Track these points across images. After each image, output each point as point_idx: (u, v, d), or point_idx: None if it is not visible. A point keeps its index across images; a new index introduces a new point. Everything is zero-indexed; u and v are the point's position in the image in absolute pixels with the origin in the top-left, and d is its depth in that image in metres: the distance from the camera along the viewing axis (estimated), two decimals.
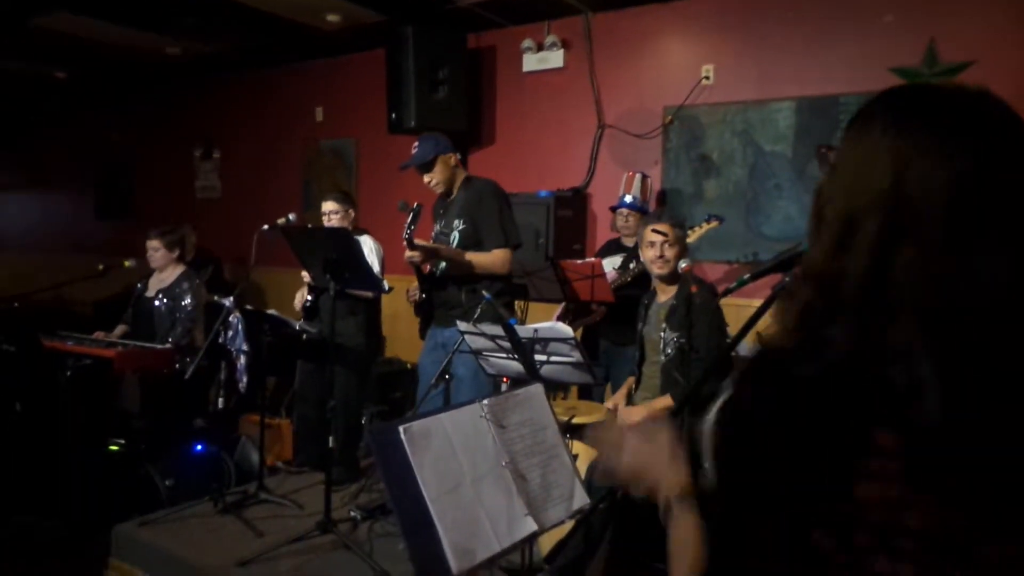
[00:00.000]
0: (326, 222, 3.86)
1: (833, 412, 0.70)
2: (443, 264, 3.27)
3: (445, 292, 3.29)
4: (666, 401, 2.83)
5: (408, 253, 3.09)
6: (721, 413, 0.77)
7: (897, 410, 0.68)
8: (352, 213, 3.93)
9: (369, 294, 3.76)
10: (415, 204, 3.05)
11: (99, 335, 4.19)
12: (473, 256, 3.19)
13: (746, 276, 1.43)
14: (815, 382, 0.71)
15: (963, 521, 0.68)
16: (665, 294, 2.95)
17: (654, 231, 2.87)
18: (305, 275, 3.75)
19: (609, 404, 3.06)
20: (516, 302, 3.75)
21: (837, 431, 0.69)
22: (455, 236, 3.26)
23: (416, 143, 3.30)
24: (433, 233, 3.44)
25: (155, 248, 4.27)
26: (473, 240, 3.23)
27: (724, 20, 4.25)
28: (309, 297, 3.89)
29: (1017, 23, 3.49)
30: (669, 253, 2.86)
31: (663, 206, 4.39)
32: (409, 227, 3.00)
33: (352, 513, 3.29)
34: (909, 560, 0.69)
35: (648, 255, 2.91)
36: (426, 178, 3.30)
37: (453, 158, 3.32)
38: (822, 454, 0.70)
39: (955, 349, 0.67)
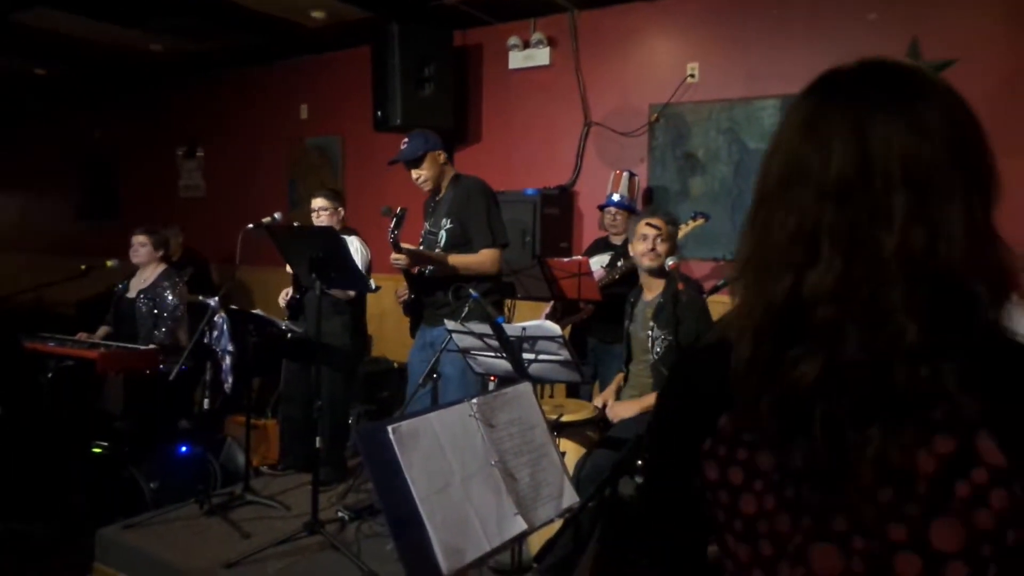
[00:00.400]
0: (315, 218, 3.85)
1: (693, 393, 0.79)
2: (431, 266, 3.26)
3: (433, 292, 3.27)
4: (655, 397, 2.84)
5: (394, 256, 3.07)
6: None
7: (730, 397, 0.73)
8: (341, 211, 3.92)
9: (351, 293, 3.74)
10: (398, 208, 3.04)
11: (82, 336, 4.14)
12: (460, 258, 3.18)
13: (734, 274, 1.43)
14: (691, 363, 0.82)
15: (786, 514, 0.71)
16: (651, 292, 2.95)
17: (648, 224, 2.87)
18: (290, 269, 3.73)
19: (598, 401, 3.06)
20: (504, 300, 3.75)
21: (692, 412, 0.78)
22: (443, 235, 3.25)
23: (405, 139, 3.28)
24: (422, 232, 3.43)
25: (142, 243, 4.23)
26: (461, 239, 3.22)
27: (709, 18, 4.26)
28: (296, 295, 3.86)
29: (1000, 21, 3.53)
30: (661, 248, 2.86)
31: (650, 204, 4.40)
32: (393, 231, 2.98)
33: (340, 513, 3.28)
34: (743, 542, 0.74)
35: (639, 248, 2.90)
36: (414, 174, 3.28)
37: (442, 155, 3.30)
38: (682, 432, 0.79)
39: (775, 341, 0.70)
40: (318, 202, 3.86)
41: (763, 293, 0.71)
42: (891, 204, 0.66)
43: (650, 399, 2.85)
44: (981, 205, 0.68)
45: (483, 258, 3.19)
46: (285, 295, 3.88)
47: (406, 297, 3.35)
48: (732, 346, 0.73)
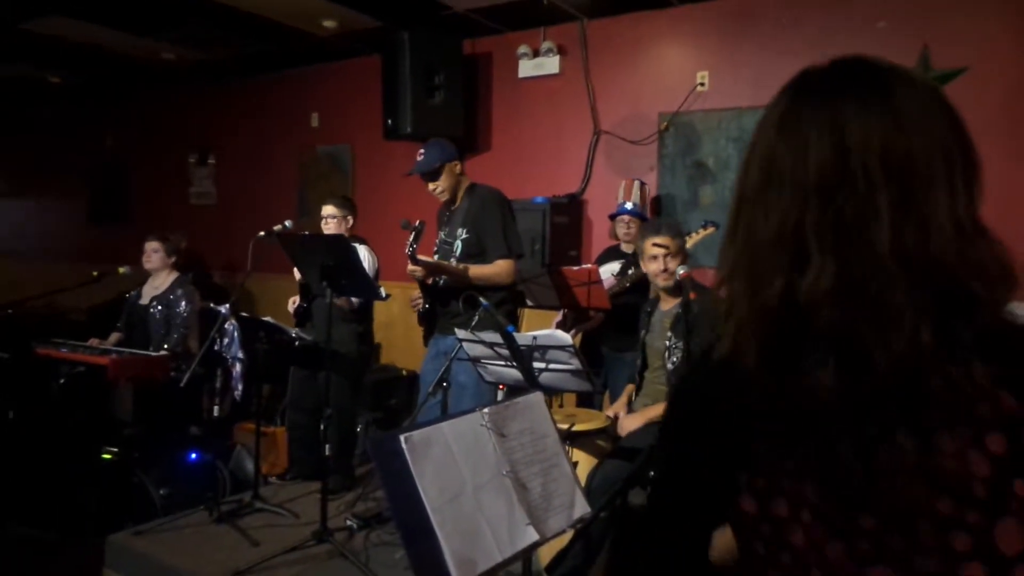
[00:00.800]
0: (323, 226, 3.86)
1: (711, 412, 0.76)
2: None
3: (448, 302, 3.27)
4: (663, 408, 2.82)
5: (410, 267, 3.08)
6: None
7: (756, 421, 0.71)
8: (351, 220, 3.92)
9: (353, 301, 3.74)
10: (417, 222, 3.04)
11: (94, 342, 4.17)
12: (476, 269, 3.18)
13: None
14: (704, 379, 0.80)
15: (838, 541, 0.68)
16: (668, 302, 2.94)
17: (655, 245, 2.85)
18: (297, 273, 3.75)
19: (609, 412, 3.05)
20: (517, 310, 3.74)
21: (714, 433, 0.75)
22: (458, 245, 3.25)
23: (421, 150, 3.27)
24: (436, 241, 3.43)
25: (155, 249, 4.26)
26: (476, 249, 3.22)
27: (719, 27, 4.27)
28: (303, 304, 3.87)
29: (1010, 29, 3.51)
30: (672, 265, 2.84)
31: (657, 214, 4.39)
32: (412, 245, 2.99)
33: (348, 522, 3.28)
34: (791, 574, 0.71)
35: (652, 269, 2.89)
36: (430, 186, 3.28)
37: (458, 165, 3.31)
38: (703, 455, 0.76)
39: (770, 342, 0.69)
40: (328, 209, 3.87)
41: (757, 300, 0.69)
42: (876, 198, 0.64)
43: (656, 410, 2.83)
44: (966, 198, 0.66)
45: (498, 269, 3.19)
46: (293, 302, 3.90)
47: (420, 306, 3.35)
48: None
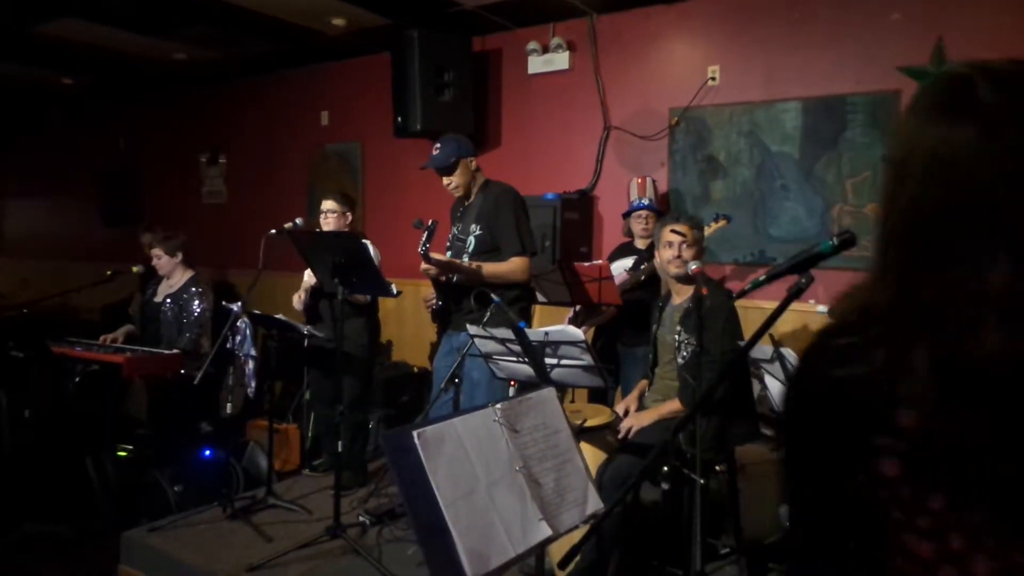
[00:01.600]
0: (322, 220, 3.86)
1: (839, 393, 0.74)
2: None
3: (461, 299, 3.27)
4: (674, 405, 2.81)
5: (424, 266, 3.08)
6: (784, 400, 0.85)
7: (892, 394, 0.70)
8: (349, 216, 3.91)
9: (365, 298, 3.75)
10: (430, 221, 3.04)
11: (104, 339, 4.20)
12: (490, 267, 3.17)
13: (761, 278, 1.41)
14: (847, 385, 0.75)
15: (983, 509, 0.68)
16: (680, 296, 2.93)
17: (673, 231, 2.84)
18: (307, 275, 3.76)
19: (620, 408, 3.04)
20: (531, 307, 3.74)
21: (853, 428, 0.74)
22: (471, 241, 3.24)
23: (437, 144, 3.26)
24: (449, 236, 3.43)
25: (158, 256, 4.28)
26: (489, 246, 3.21)
27: (729, 21, 4.24)
28: (308, 302, 3.88)
29: None
30: (687, 254, 2.83)
31: (668, 209, 4.38)
32: (425, 244, 2.99)
33: (361, 518, 3.29)
34: (928, 539, 0.71)
35: (665, 255, 2.88)
36: (445, 181, 3.27)
37: (474, 161, 3.30)
38: (843, 440, 0.75)
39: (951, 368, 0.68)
40: (327, 204, 3.86)
41: (929, 348, 0.68)
42: None
43: (667, 407, 2.82)
44: None
45: (513, 266, 3.18)
46: (299, 297, 3.90)
47: (434, 303, 3.35)
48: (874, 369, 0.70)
